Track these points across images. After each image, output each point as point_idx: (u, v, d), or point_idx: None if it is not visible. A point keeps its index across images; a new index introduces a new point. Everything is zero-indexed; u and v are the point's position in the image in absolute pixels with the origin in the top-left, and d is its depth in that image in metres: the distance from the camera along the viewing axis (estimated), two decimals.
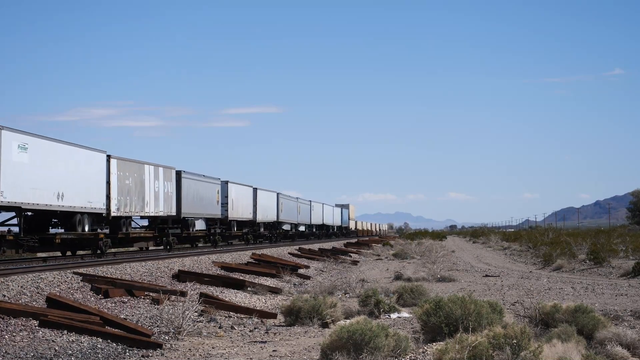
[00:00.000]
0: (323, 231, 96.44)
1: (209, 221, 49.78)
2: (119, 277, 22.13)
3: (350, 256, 51.42)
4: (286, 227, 74.21)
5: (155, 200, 39.53)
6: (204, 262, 30.79)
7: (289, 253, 45.23)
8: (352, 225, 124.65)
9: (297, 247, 52.00)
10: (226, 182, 52.93)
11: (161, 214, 40.51)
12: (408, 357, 12.24)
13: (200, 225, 47.41)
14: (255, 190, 60.87)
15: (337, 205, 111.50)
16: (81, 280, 20.36)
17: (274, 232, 68.48)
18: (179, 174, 43.69)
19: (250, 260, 35.12)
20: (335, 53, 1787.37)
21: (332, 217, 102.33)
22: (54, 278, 20.11)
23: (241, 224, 58.03)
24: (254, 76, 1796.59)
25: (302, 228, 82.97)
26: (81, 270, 22.59)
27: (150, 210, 39.02)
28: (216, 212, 50.74)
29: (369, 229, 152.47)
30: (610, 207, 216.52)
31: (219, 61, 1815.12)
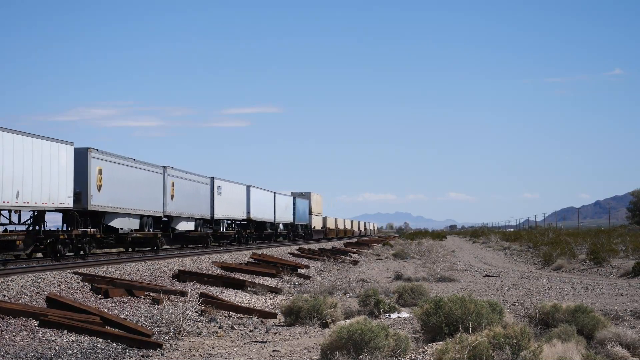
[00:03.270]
0: (250, 231, 61.00)
1: None
2: (119, 277, 22.13)
3: (350, 256, 51.53)
4: (122, 221, 36.33)
5: None
6: (204, 262, 30.80)
7: (289, 253, 45.37)
8: (316, 223, 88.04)
9: (297, 246, 52.07)
10: None
11: None
12: (408, 357, 12.23)
13: None
14: None
15: (291, 194, 78.80)
16: (81, 280, 20.37)
17: (71, 231, 31.11)
18: None
19: (250, 260, 35.14)
20: (335, 53, 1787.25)
21: (273, 210, 68.67)
22: (54, 278, 20.11)
23: None
24: (254, 76, 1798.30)
25: (188, 225, 47.01)
26: (81, 270, 22.60)
27: None
28: None
29: (349, 227, 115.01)
30: (610, 207, 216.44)
31: (219, 61, 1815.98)
